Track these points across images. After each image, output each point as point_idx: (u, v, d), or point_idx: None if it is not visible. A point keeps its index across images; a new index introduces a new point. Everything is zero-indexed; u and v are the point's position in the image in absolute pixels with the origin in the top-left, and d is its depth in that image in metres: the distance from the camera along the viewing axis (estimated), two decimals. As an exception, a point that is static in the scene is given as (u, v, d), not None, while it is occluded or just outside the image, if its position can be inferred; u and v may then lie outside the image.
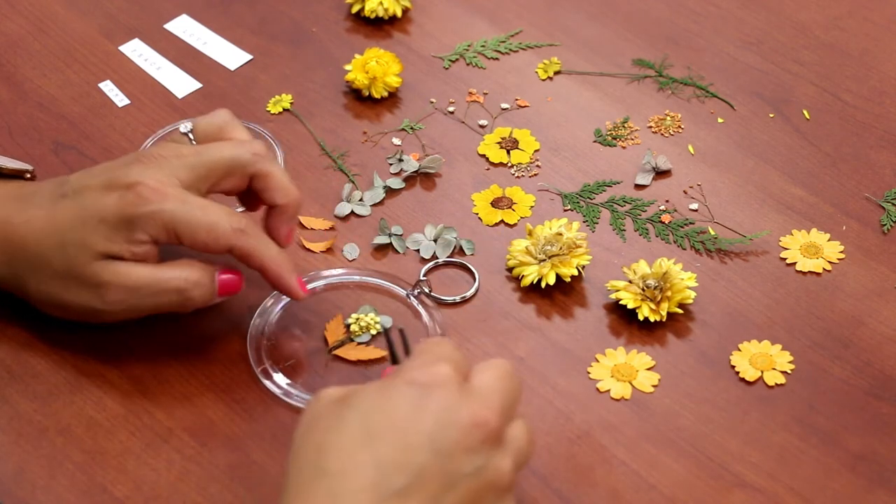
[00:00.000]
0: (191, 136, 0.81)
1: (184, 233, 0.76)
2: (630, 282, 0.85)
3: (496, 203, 0.91)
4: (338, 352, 0.82)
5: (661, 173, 0.93)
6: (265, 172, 0.79)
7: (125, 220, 0.75)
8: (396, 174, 0.93)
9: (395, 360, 0.74)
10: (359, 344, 0.82)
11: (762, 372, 0.81)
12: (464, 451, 0.64)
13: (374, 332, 0.83)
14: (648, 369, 0.82)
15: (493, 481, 0.64)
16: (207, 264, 0.78)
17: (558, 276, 0.85)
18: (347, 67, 0.99)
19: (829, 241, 0.89)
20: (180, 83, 0.99)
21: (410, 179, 0.93)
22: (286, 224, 0.80)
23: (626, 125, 0.97)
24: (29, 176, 0.83)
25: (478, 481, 0.64)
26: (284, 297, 0.84)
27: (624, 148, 0.96)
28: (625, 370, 0.81)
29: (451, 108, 0.98)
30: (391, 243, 0.88)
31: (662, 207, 0.91)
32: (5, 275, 0.79)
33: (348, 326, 0.83)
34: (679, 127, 0.97)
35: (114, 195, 0.76)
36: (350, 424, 0.64)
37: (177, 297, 0.77)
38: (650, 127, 0.97)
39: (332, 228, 0.89)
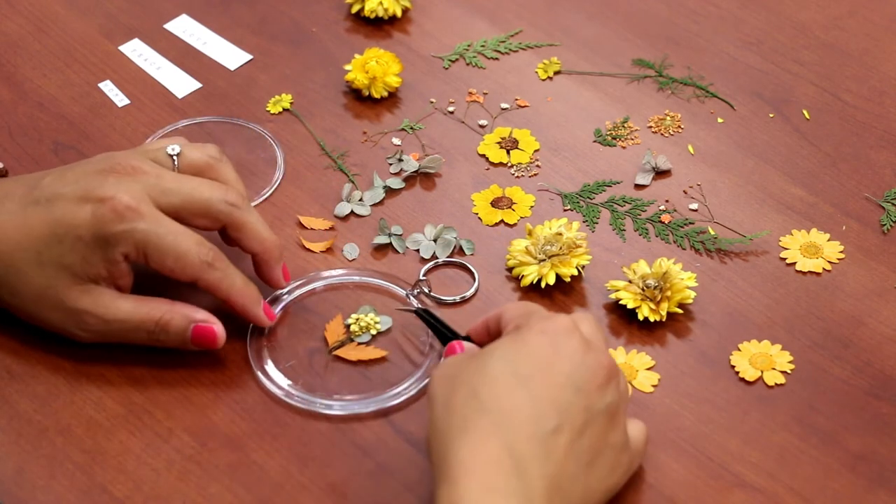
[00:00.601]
0: (175, 159, 0.80)
1: (152, 256, 0.76)
2: (630, 282, 0.85)
3: (496, 203, 0.91)
4: (338, 352, 0.82)
5: (660, 173, 0.94)
6: (239, 223, 0.79)
7: (100, 238, 0.75)
8: (396, 174, 0.93)
9: (447, 336, 0.79)
10: (359, 344, 0.82)
11: (762, 372, 0.81)
12: (597, 388, 0.70)
13: (373, 332, 0.83)
14: (648, 369, 0.82)
15: (614, 416, 0.71)
16: (188, 310, 0.78)
17: (558, 276, 0.85)
18: (347, 67, 0.99)
19: (829, 241, 0.89)
20: (180, 83, 0.99)
21: (410, 179, 0.93)
22: (273, 269, 0.82)
23: (626, 125, 0.97)
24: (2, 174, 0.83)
25: (607, 416, 0.70)
26: (285, 297, 0.84)
27: (624, 148, 0.96)
28: (625, 370, 0.81)
29: (451, 108, 0.98)
30: (391, 243, 0.88)
31: (662, 207, 0.91)
32: None
33: (348, 326, 0.83)
34: (679, 127, 0.97)
35: (87, 208, 0.75)
36: (499, 369, 0.69)
37: (147, 337, 0.78)
38: (650, 127, 0.97)
39: (332, 228, 0.89)
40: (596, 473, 0.69)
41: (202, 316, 0.78)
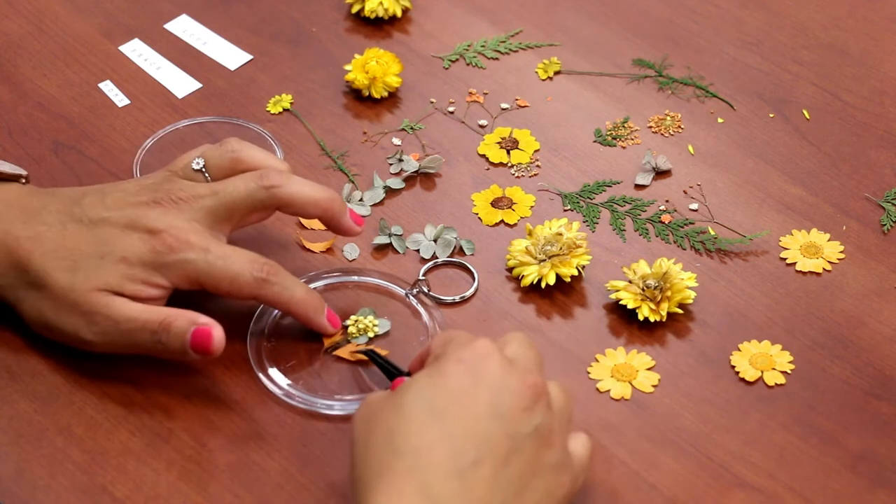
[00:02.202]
0: (204, 171, 0.80)
1: (207, 283, 0.77)
2: (630, 282, 0.85)
3: (496, 203, 0.91)
4: (337, 352, 0.82)
5: (661, 173, 0.93)
6: (286, 201, 0.80)
7: (150, 265, 0.76)
8: (396, 174, 0.93)
9: (392, 374, 0.78)
10: (357, 345, 0.82)
11: (762, 372, 0.81)
12: (521, 412, 0.67)
13: (371, 334, 0.83)
14: (648, 369, 0.82)
15: (547, 437, 0.68)
16: (192, 315, 0.77)
17: (558, 276, 0.85)
18: (347, 67, 0.99)
19: (829, 241, 0.89)
20: (180, 83, 0.99)
21: (410, 179, 0.93)
22: (340, 222, 0.82)
23: (626, 125, 0.97)
24: (24, 181, 0.83)
25: (537, 439, 0.68)
26: (284, 297, 0.84)
27: (624, 148, 0.96)
28: (625, 370, 0.81)
29: (451, 108, 0.98)
30: (391, 243, 0.88)
31: (662, 207, 0.91)
32: (2, 285, 0.79)
33: (346, 328, 0.83)
34: (679, 127, 0.97)
35: (135, 237, 0.77)
36: (413, 407, 0.67)
37: (150, 338, 0.77)
38: (650, 127, 0.97)
39: (332, 228, 0.89)
40: (530, 499, 0.67)
41: (204, 320, 0.77)
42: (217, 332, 0.77)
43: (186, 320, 0.77)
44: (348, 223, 0.82)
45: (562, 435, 0.70)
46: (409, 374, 0.76)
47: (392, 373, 0.78)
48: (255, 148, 0.82)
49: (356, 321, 0.83)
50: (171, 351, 0.77)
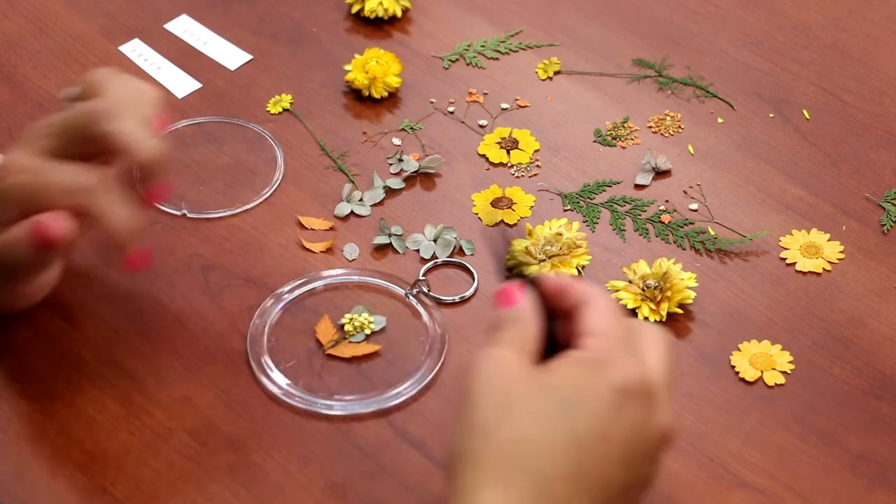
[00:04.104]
0: (71, 99, 0.77)
1: (41, 198, 0.74)
2: (630, 282, 0.85)
3: (496, 203, 0.91)
4: (332, 350, 0.82)
5: (660, 173, 0.93)
6: (109, 132, 0.74)
7: None
8: (396, 174, 0.93)
9: (505, 273, 0.71)
10: (350, 342, 0.82)
11: (762, 372, 0.81)
12: (650, 462, 0.65)
13: (367, 332, 0.83)
14: (648, 369, 0.82)
15: (653, 477, 0.66)
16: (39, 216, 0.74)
17: (558, 276, 0.85)
18: (347, 67, 0.99)
19: (828, 241, 0.89)
20: (180, 83, 0.99)
21: (410, 179, 0.93)
22: (150, 183, 0.76)
23: (626, 125, 0.97)
24: None
25: (645, 481, 0.66)
26: (285, 297, 0.84)
27: (624, 148, 0.96)
28: (625, 370, 0.81)
29: (451, 108, 0.98)
30: (391, 243, 0.88)
31: (662, 207, 0.91)
32: None
33: (342, 326, 0.83)
34: (679, 127, 0.97)
35: None
36: (558, 424, 0.63)
37: (6, 263, 0.75)
38: (650, 127, 0.97)
39: (332, 228, 0.89)
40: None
41: (44, 218, 0.73)
42: (53, 223, 0.73)
43: (27, 224, 0.74)
44: (157, 191, 0.76)
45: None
46: (528, 280, 0.69)
47: (505, 273, 0.71)
48: (126, 77, 0.77)
49: (351, 319, 0.83)
50: (20, 255, 0.75)
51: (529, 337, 0.67)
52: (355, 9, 1.04)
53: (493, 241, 0.73)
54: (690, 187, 0.93)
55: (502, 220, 0.90)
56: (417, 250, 0.88)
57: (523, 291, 0.68)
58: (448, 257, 0.88)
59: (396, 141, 0.96)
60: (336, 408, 0.79)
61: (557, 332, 0.68)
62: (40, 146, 0.75)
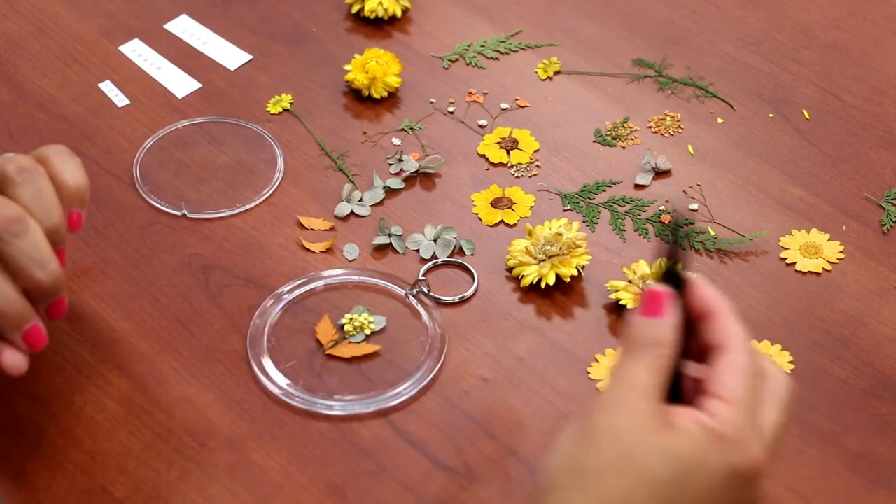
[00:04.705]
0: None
1: None
2: (630, 282, 0.85)
3: (496, 203, 0.91)
4: (331, 350, 0.82)
5: (660, 173, 0.94)
6: (7, 251, 0.70)
7: None
8: (396, 174, 0.93)
9: (668, 273, 0.65)
10: (351, 342, 0.82)
11: (762, 372, 0.81)
12: None
13: (367, 332, 0.83)
14: (648, 369, 0.82)
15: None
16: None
17: (558, 277, 0.85)
18: (347, 67, 0.99)
19: (828, 241, 0.89)
20: (180, 83, 0.99)
21: (410, 179, 0.93)
22: (37, 305, 0.73)
23: (626, 125, 0.97)
24: None
25: None
26: (285, 297, 0.84)
27: (624, 148, 0.96)
28: (625, 370, 0.81)
29: (450, 108, 0.98)
30: (391, 243, 0.88)
31: (662, 207, 0.91)
32: None
33: (342, 326, 0.83)
34: (679, 127, 0.97)
35: None
36: (665, 490, 0.60)
37: None
38: (650, 127, 0.97)
39: (332, 228, 0.89)
40: None
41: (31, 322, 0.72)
42: (6, 357, 0.71)
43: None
44: (53, 311, 0.74)
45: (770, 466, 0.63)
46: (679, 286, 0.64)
47: (668, 272, 0.65)
48: (30, 188, 0.72)
49: (351, 319, 0.83)
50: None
51: (664, 369, 0.62)
52: (355, 9, 1.04)
53: (672, 235, 0.67)
54: (690, 187, 0.93)
55: (502, 220, 0.90)
56: (417, 250, 0.88)
57: (673, 304, 0.64)
58: (448, 257, 0.88)
59: (396, 141, 0.96)
60: (336, 408, 0.79)
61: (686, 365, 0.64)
62: None
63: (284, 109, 0.98)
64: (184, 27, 1.04)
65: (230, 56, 1.02)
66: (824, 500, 0.76)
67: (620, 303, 0.84)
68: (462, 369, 0.81)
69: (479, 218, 0.91)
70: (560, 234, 0.86)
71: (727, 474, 0.60)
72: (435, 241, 0.88)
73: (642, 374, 0.62)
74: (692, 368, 0.64)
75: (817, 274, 0.87)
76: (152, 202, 0.90)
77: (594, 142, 0.96)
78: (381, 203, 0.91)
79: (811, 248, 0.88)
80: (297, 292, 0.85)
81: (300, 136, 0.96)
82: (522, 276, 0.85)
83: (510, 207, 0.91)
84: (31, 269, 0.71)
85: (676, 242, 0.64)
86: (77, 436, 0.77)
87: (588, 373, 0.82)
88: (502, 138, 0.96)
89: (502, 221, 0.90)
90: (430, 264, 0.87)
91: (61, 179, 0.74)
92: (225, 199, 0.91)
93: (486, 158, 0.95)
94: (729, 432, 0.61)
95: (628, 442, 0.60)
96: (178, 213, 0.90)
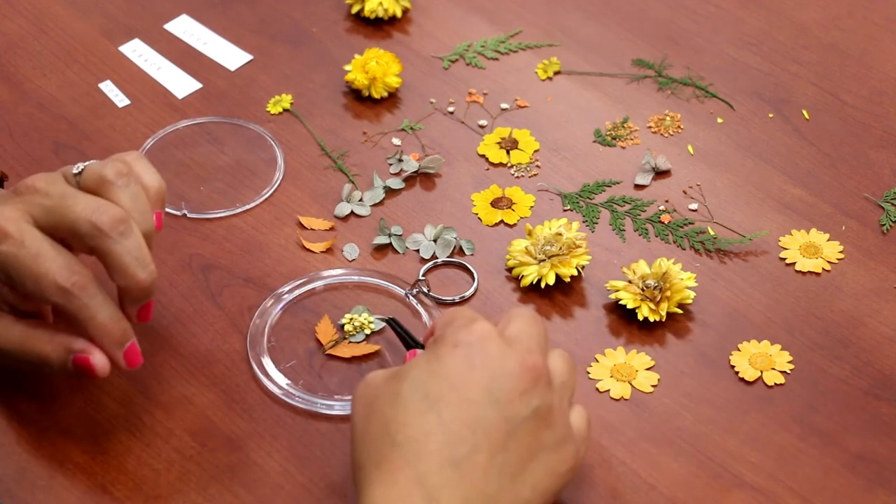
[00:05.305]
0: (78, 177, 0.74)
1: (13, 277, 0.72)
2: (630, 282, 0.85)
3: (496, 203, 0.91)
4: (332, 350, 0.82)
5: (660, 173, 0.94)
6: (103, 252, 0.72)
7: None
8: (396, 174, 0.93)
9: (409, 344, 0.78)
10: (351, 342, 0.82)
11: (762, 372, 0.81)
12: (519, 396, 0.67)
13: (367, 332, 0.83)
14: (648, 369, 0.82)
15: (546, 417, 0.68)
16: (67, 340, 0.73)
17: (558, 277, 0.85)
18: (347, 67, 0.99)
19: (828, 241, 0.89)
20: (180, 83, 0.99)
21: (410, 179, 0.93)
22: (128, 306, 0.74)
23: (625, 125, 0.97)
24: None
25: (535, 421, 0.67)
26: (285, 297, 0.84)
27: (623, 148, 0.96)
28: (624, 370, 0.81)
29: (450, 109, 0.98)
30: (391, 243, 0.88)
31: (662, 207, 0.91)
32: None
33: (342, 326, 0.83)
34: (679, 127, 0.97)
35: None
36: (410, 395, 0.67)
37: (36, 368, 0.74)
38: (650, 127, 0.97)
39: (332, 228, 0.89)
40: (528, 481, 0.67)
41: (80, 346, 0.72)
42: (97, 360, 0.73)
43: (63, 350, 0.73)
44: (131, 312, 0.74)
45: (562, 410, 0.70)
46: (423, 346, 0.76)
47: (409, 343, 0.78)
48: (133, 189, 0.74)
49: (351, 319, 0.83)
50: (60, 374, 0.75)
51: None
52: (355, 9, 1.04)
53: (392, 327, 0.80)
54: (690, 187, 0.93)
55: (502, 220, 0.90)
56: (417, 250, 0.88)
57: (415, 353, 0.75)
58: (448, 257, 0.88)
59: (396, 141, 0.96)
60: (336, 408, 0.79)
61: None
62: (31, 215, 0.72)
63: (284, 109, 0.98)
64: (184, 27, 1.04)
65: (230, 56, 1.02)
66: (824, 500, 0.76)
67: (620, 303, 0.84)
68: (462, 369, 0.81)
69: (478, 218, 0.91)
70: (560, 235, 0.86)
71: (455, 351, 0.68)
72: (435, 241, 0.88)
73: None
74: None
75: (817, 274, 0.87)
76: (152, 202, 0.90)
77: (594, 142, 0.96)
78: (381, 203, 0.91)
79: (811, 248, 0.88)
80: (297, 292, 0.85)
81: (300, 136, 0.96)
82: (522, 276, 0.85)
83: (510, 207, 0.91)
84: (134, 268, 0.73)
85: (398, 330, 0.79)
86: (77, 436, 0.77)
87: (588, 373, 0.82)
88: (502, 138, 0.96)
89: (502, 221, 0.90)
90: (430, 264, 0.87)
91: (145, 183, 0.76)
92: (225, 199, 0.91)
93: (486, 158, 0.95)
94: (437, 329, 0.71)
95: (372, 397, 0.69)
96: (178, 213, 0.90)
